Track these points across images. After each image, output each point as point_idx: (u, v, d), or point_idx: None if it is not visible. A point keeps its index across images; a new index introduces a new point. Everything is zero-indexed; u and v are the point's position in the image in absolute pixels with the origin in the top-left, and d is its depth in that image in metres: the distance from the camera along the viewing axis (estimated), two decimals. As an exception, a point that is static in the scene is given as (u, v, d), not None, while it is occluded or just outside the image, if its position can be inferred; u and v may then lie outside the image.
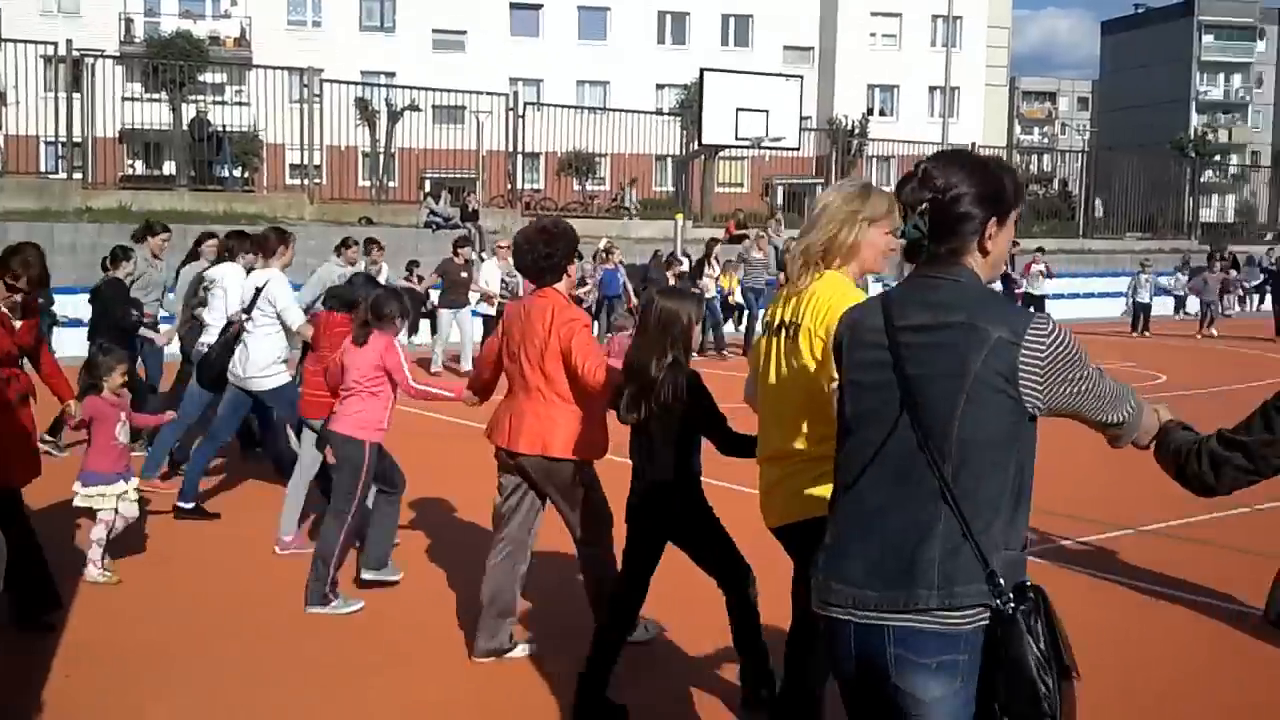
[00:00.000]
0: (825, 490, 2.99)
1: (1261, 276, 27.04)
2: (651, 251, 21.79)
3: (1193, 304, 25.92)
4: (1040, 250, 24.73)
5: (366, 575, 6.45)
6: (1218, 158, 64.26)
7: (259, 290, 8.02)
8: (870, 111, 49.09)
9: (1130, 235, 35.33)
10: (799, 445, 3.66)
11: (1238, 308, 28.41)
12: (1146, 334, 22.70)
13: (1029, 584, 2.50)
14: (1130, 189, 36.45)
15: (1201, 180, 43.34)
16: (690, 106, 33.96)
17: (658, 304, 4.67)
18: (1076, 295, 26.97)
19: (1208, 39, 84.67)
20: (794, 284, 3.74)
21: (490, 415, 5.48)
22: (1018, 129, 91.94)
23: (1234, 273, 28.56)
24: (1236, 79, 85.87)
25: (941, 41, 43.32)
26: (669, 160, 37.03)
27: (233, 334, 8.03)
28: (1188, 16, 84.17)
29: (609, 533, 5.26)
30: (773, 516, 3.85)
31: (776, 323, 3.81)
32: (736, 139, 27.08)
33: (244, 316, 8.02)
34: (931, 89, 50.76)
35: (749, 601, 4.74)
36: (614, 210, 30.89)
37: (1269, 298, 24.73)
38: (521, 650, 5.46)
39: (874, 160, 38.06)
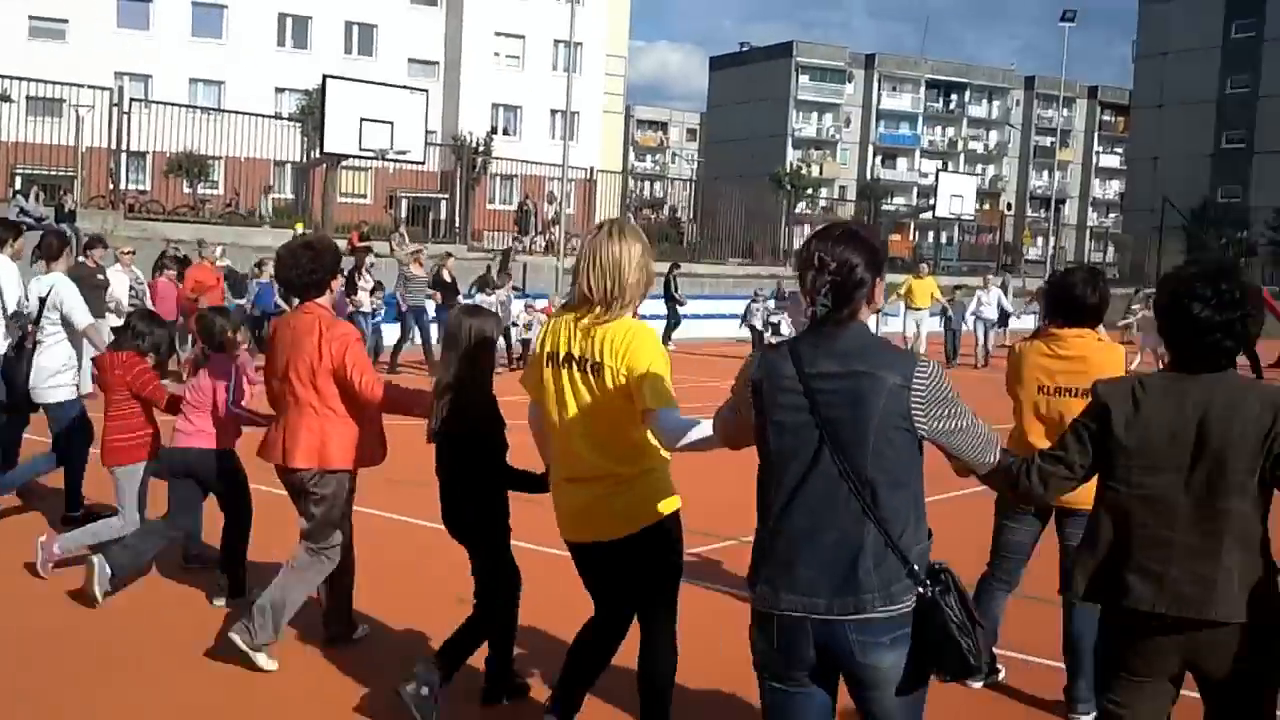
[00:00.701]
0: (659, 501, 4.04)
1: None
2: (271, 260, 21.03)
3: (786, 328, 27.75)
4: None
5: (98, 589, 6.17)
6: (810, 190, 69.40)
7: (43, 300, 7.74)
8: (494, 130, 49.68)
9: (732, 260, 37.56)
10: (618, 468, 4.06)
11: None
12: None
13: (939, 566, 3.13)
14: (733, 217, 38.76)
15: (795, 211, 46.68)
16: (312, 113, 33.14)
17: (467, 322, 4.81)
18: (698, 316, 28.35)
19: (804, 79, 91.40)
20: (580, 319, 4.06)
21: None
22: (632, 155, 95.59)
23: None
24: (828, 118, 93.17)
25: (563, 66, 44.50)
26: (289, 166, 36.01)
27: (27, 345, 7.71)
28: (787, 57, 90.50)
29: (336, 540, 5.50)
30: (597, 531, 4.16)
31: (562, 355, 4.09)
32: (360, 149, 26.71)
33: (32, 328, 7.69)
34: (553, 112, 51.99)
35: (493, 617, 4.95)
36: (228, 216, 29.69)
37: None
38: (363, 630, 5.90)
39: (497, 179, 38.53)
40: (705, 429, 3.77)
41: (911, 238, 62.50)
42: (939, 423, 3.13)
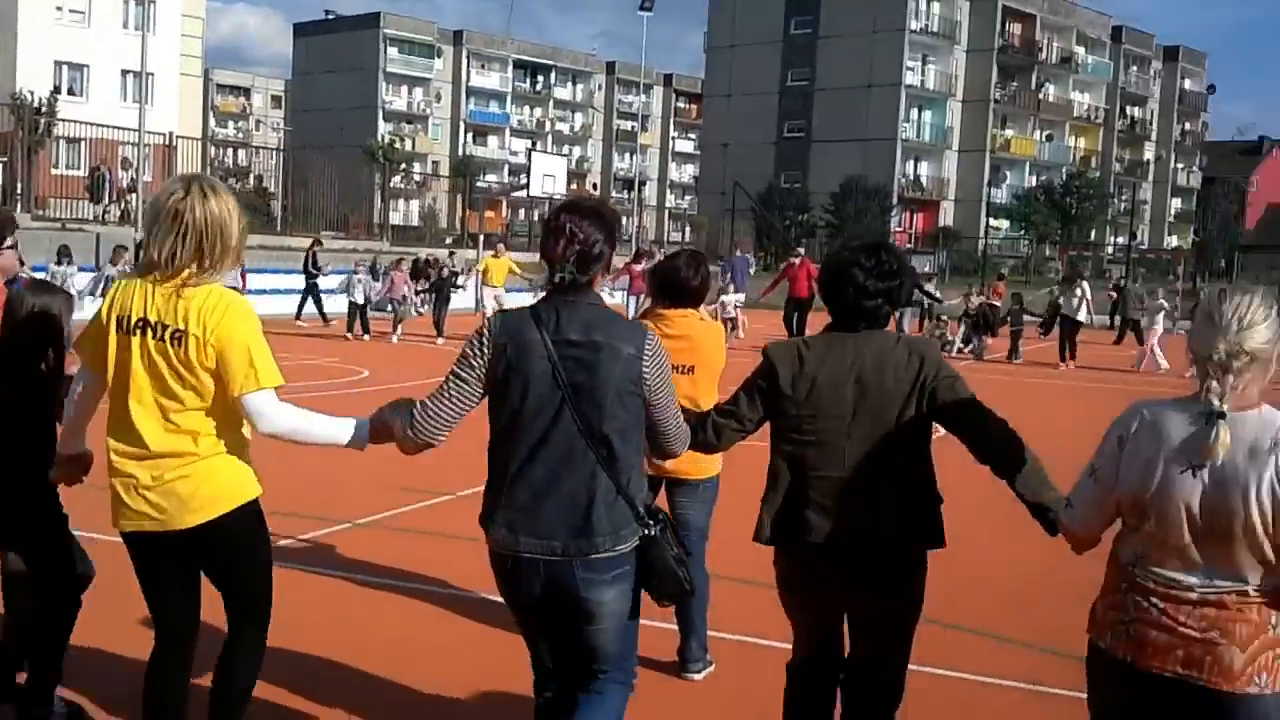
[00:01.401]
0: (237, 485, 3.68)
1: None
2: None
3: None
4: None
5: None
6: (404, 165, 68.78)
7: None
8: (58, 90, 45.67)
9: (326, 234, 36.60)
10: (191, 447, 3.59)
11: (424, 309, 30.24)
12: (366, 336, 23.26)
13: (656, 508, 3.59)
14: (325, 189, 37.75)
15: (390, 185, 46.11)
16: None
17: (29, 300, 4.30)
18: (279, 291, 27.24)
19: (393, 51, 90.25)
20: (160, 283, 3.57)
21: None
22: (213, 121, 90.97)
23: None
24: (419, 92, 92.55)
25: (135, 24, 41.59)
26: None
27: None
28: (375, 28, 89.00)
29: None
30: (163, 519, 3.61)
31: (134, 320, 3.58)
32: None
33: None
34: (125, 72, 48.57)
35: (55, 618, 4.41)
36: None
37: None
38: None
39: (62, 141, 35.57)
40: (326, 426, 3.70)
41: (504, 215, 63.36)
42: (655, 391, 3.51)
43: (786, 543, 3.78)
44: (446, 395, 3.53)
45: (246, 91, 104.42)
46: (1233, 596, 2.84)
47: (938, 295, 27.21)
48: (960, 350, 24.36)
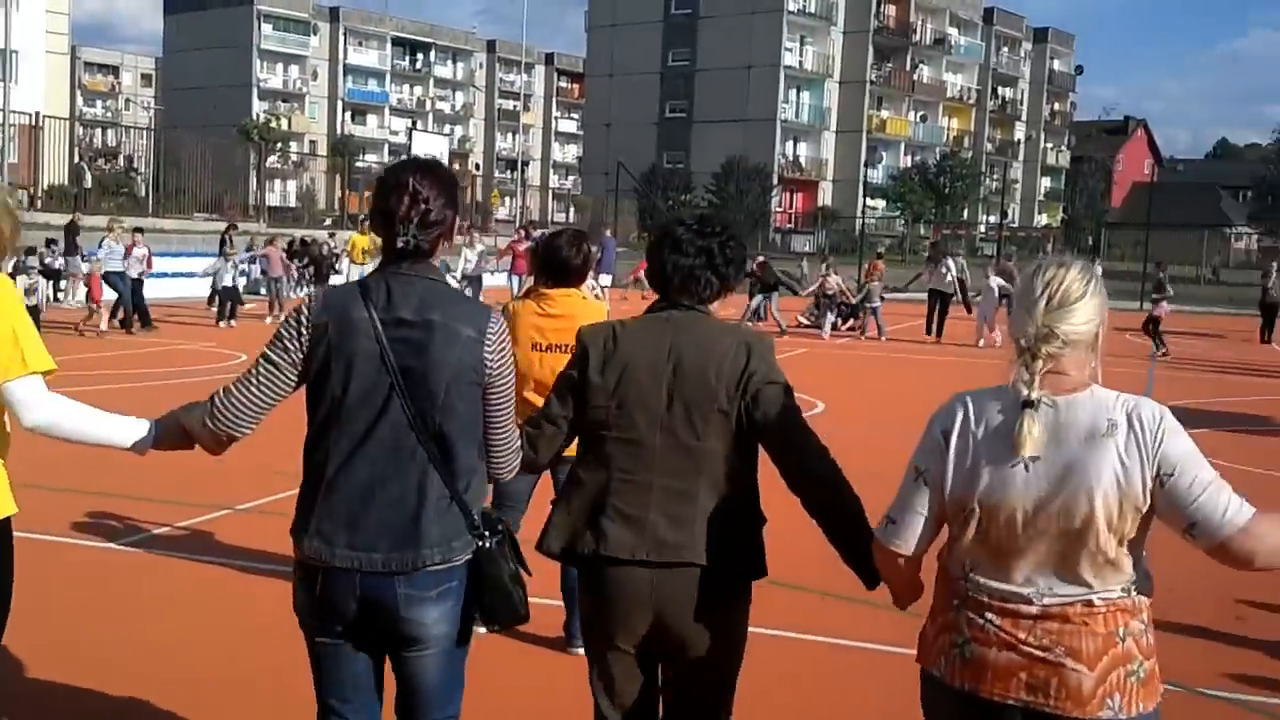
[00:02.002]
0: None
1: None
2: None
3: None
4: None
5: None
6: (280, 144, 67.47)
7: None
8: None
9: (199, 215, 35.85)
10: None
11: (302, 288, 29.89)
12: (233, 322, 22.68)
13: (496, 518, 3.12)
14: (198, 170, 36.95)
15: (266, 165, 45.26)
16: None
17: None
18: (165, 275, 26.51)
19: (267, 28, 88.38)
20: None
21: None
22: (80, 100, 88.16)
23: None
24: (294, 70, 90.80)
25: (-5, -2, 40.11)
26: None
27: None
28: (248, 5, 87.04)
29: None
30: None
31: None
32: None
33: None
34: (-15, 48, 46.84)
35: None
36: None
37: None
38: None
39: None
40: (102, 424, 3.18)
41: (384, 195, 62.43)
42: (496, 379, 3.08)
43: (577, 556, 3.19)
44: (253, 381, 3.05)
45: (115, 70, 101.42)
46: (1077, 607, 2.53)
47: (797, 281, 27.72)
48: (836, 327, 24.98)
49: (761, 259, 25.05)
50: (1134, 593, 2.55)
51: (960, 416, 2.65)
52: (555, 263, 5.24)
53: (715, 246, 3.21)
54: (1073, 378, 2.57)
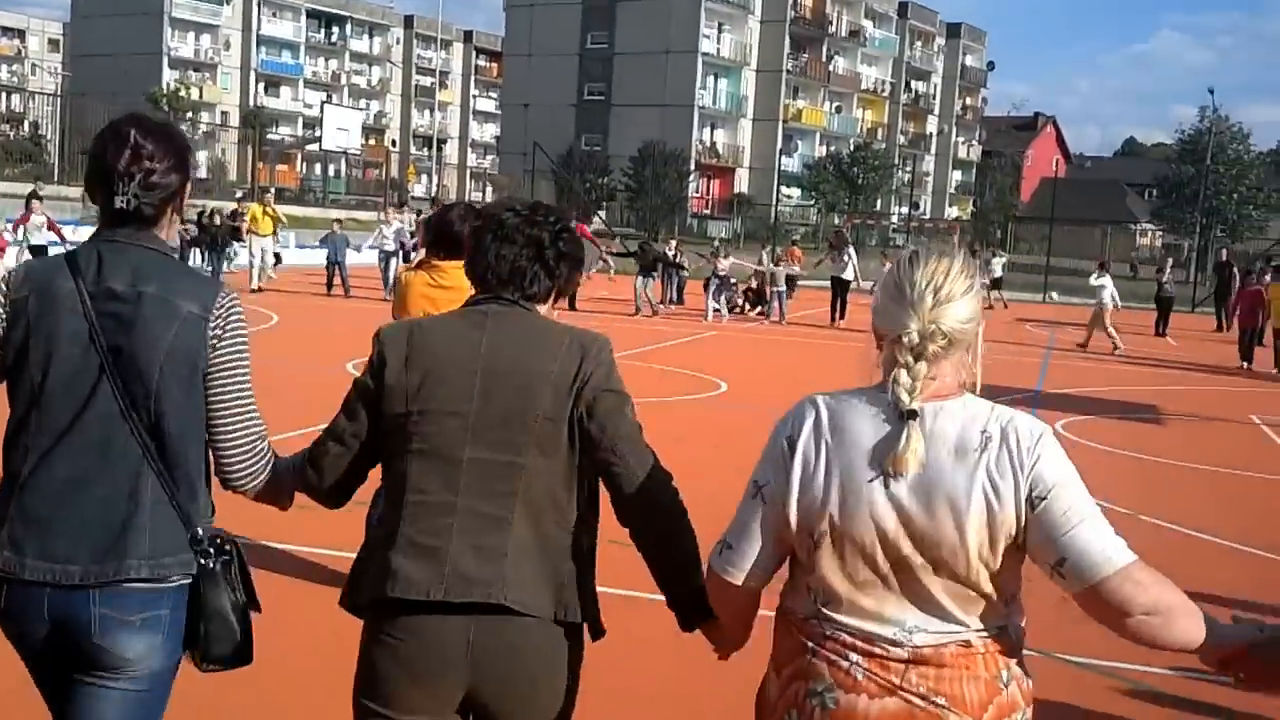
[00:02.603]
0: None
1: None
2: None
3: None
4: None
5: None
6: (190, 114, 66.33)
7: None
8: None
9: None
10: None
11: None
12: None
13: (224, 537, 2.64)
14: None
15: (177, 136, 44.52)
16: None
17: None
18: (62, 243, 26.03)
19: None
20: None
21: None
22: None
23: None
24: (206, 39, 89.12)
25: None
26: None
27: None
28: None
29: None
30: None
31: None
32: None
33: None
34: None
35: None
36: None
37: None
38: None
39: None
40: None
41: (299, 169, 61.88)
42: (220, 378, 2.62)
43: (366, 600, 2.58)
44: None
45: (21, 33, 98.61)
46: (952, 648, 2.16)
47: (684, 264, 28.01)
48: (742, 310, 25.59)
49: (641, 241, 25.70)
50: (1012, 627, 2.23)
51: (810, 423, 2.25)
52: (446, 234, 5.22)
53: (546, 237, 2.72)
54: (947, 382, 2.23)
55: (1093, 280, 23.75)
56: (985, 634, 2.18)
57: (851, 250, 25.54)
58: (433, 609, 2.46)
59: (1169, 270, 28.56)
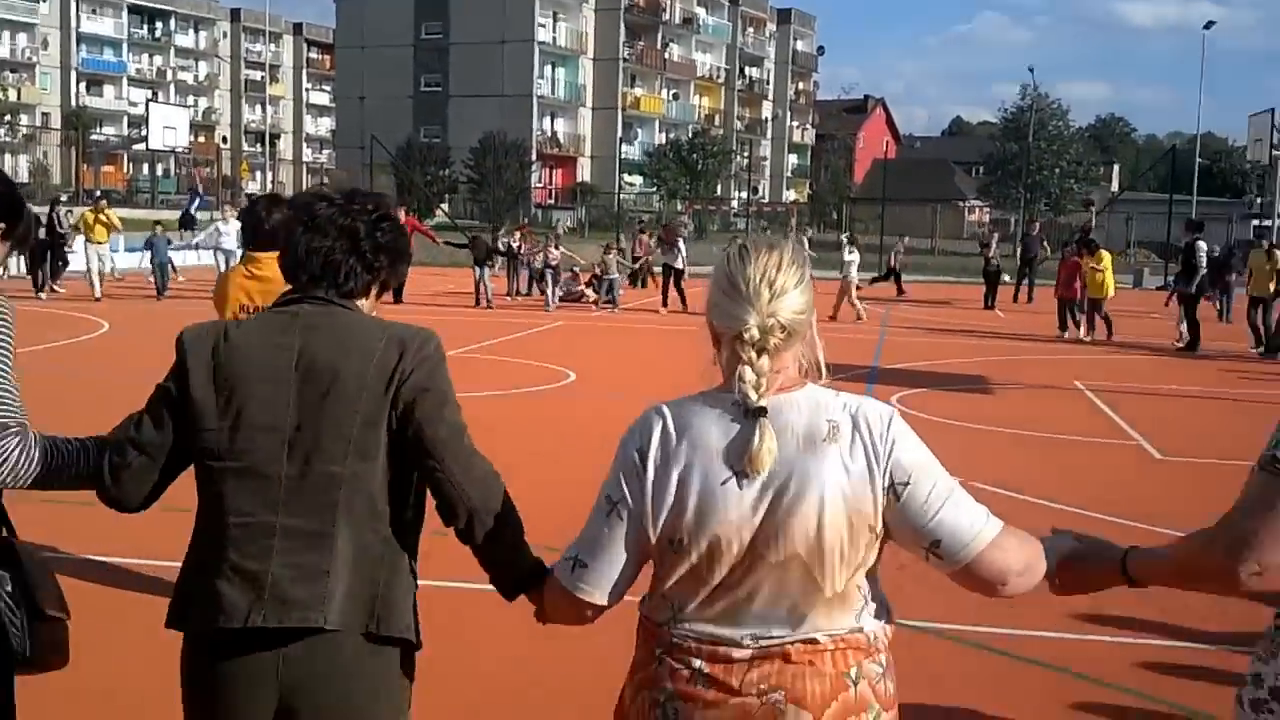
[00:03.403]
0: None
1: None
2: None
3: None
4: None
5: None
6: (8, 117, 63.55)
7: None
8: None
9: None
10: None
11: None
12: None
13: (5, 543, 2.60)
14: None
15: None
16: None
17: None
18: None
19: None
20: None
21: None
22: None
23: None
24: (22, 38, 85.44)
25: None
26: None
27: None
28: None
29: None
30: None
31: None
32: None
33: None
34: None
35: None
36: None
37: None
38: None
39: None
40: None
41: (126, 169, 59.82)
42: None
43: (191, 631, 2.47)
44: None
45: None
46: (798, 646, 2.14)
47: (516, 248, 27.96)
48: (585, 298, 25.89)
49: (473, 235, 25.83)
50: (869, 627, 2.21)
51: (658, 432, 2.22)
52: (254, 226, 5.19)
53: (362, 228, 2.56)
54: (790, 374, 2.22)
55: (845, 256, 24.61)
56: (836, 631, 2.16)
57: (681, 242, 26.33)
58: (252, 635, 2.37)
59: (995, 245, 29.70)
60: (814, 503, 2.10)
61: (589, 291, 26.16)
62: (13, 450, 2.48)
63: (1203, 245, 20.72)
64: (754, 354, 2.14)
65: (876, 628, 2.21)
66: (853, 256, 24.22)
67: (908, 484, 2.13)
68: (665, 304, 25.09)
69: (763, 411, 2.13)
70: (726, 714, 2.13)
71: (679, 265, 25.54)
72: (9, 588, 2.54)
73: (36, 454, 2.51)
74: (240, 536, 2.41)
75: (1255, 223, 55.73)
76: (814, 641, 2.14)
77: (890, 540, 2.19)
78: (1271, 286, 19.88)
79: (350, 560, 2.41)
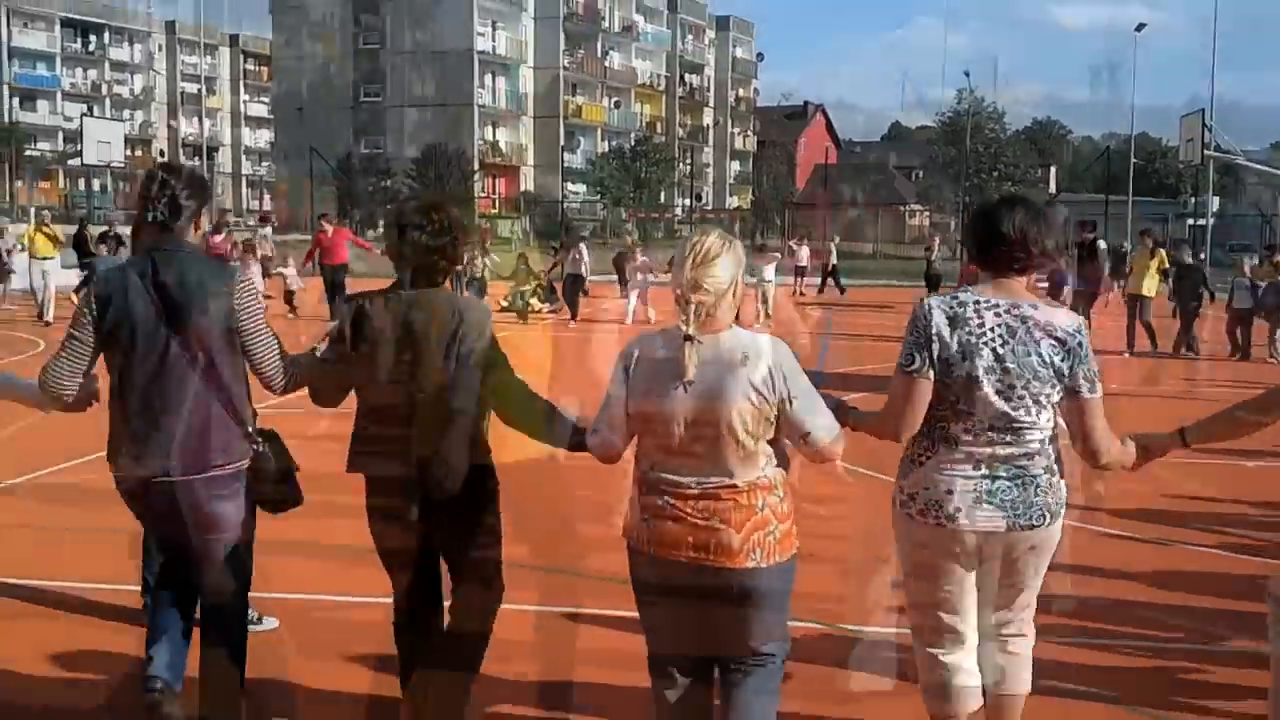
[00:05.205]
0: None
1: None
2: None
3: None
4: None
5: None
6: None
7: None
8: None
9: None
10: None
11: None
12: None
13: (266, 429, 4.23)
14: None
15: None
16: None
17: None
18: None
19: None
20: None
21: None
22: None
23: None
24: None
25: None
26: None
27: None
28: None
29: None
30: None
31: None
32: None
33: None
34: None
35: None
36: None
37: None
38: None
39: None
40: None
41: (62, 185, 58.89)
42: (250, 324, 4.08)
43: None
44: None
45: None
46: (725, 489, 3.45)
47: (493, 258, 27.85)
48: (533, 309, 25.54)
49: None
50: (769, 473, 3.52)
51: (636, 353, 3.59)
52: None
53: (447, 244, 4.16)
54: (719, 320, 3.49)
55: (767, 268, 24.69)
56: (749, 478, 3.48)
57: (583, 247, 25.95)
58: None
59: (937, 248, 29.96)
60: (729, 404, 3.41)
61: (535, 302, 25.84)
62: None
63: (1102, 244, 20.67)
64: (684, 303, 3.44)
65: (775, 474, 3.56)
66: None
67: (795, 398, 3.48)
68: (575, 317, 24.15)
69: (690, 339, 3.42)
70: (683, 528, 3.48)
71: (583, 274, 25.12)
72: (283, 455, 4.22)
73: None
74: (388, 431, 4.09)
75: (1190, 222, 56.73)
76: (735, 486, 3.48)
77: (777, 427, 3.50)
78: (1152, 285, 19.18)
79: (455, 443, 4.05)
